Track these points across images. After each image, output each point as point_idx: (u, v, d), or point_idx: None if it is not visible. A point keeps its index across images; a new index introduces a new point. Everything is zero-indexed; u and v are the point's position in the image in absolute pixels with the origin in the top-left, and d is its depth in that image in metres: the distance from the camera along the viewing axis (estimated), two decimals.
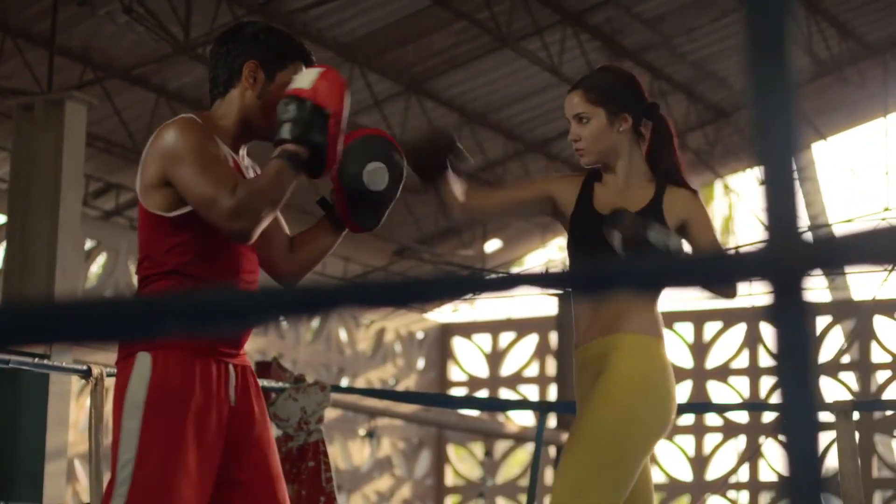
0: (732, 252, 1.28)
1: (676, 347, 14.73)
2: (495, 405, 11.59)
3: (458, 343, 15.50)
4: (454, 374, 15.50)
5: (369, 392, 8.74)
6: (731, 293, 3.78)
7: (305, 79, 3.49)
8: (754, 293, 15.69)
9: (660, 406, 3.64)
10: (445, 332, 15.48)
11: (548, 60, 11.08)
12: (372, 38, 10.97)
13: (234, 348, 3.53)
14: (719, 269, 1.31)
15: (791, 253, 1.30)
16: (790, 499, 1.32)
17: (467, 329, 15.46)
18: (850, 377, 14.05)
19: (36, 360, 5.22)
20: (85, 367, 5.28)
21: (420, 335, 15.32)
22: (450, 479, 15.27)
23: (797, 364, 1.32)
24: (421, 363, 15.31)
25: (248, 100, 3.55)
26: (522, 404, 9.72)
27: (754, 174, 15.34)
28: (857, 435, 13.46)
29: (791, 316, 1.31)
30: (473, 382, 15.30)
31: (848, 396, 13.74)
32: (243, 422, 3.54)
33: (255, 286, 3.64)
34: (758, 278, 1.29)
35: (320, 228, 3.72)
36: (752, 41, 1.34)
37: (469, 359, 15.51)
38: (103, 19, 9.83)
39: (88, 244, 12.03)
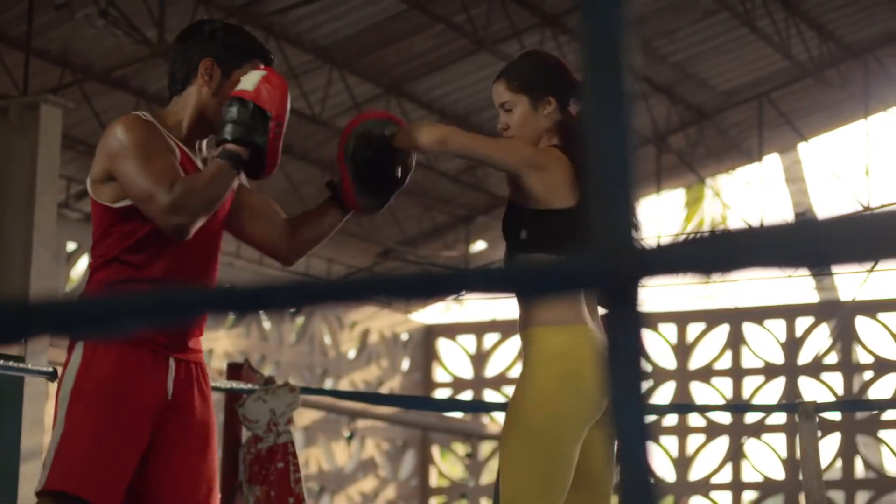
0: (563, 261, 1.31)
1: (659, 348, 14.75)
2: (472, 406, 11.61)
3: (442, 344, 15.52)
4: (439, 375, 15.53)
5: (343, 394, 8.77)
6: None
7: (249, 81, 3.56)
8: (738, 294, 15.74)
9: (575, 393, 3.63)
10: (430, 334, 15.51)
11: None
12: (351, 41, 11.00)
13: (177, 342, 3.57)
14: (550, 278, 1.34)
15: (622, 262, 1.33)
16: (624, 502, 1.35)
17: (452, 330, 15.50)
18: (834, 378, 14.08)
19: (10, 362, 5.24)
20: (51, 370, 5.31)
21: (405, 336, 15.35)
22: (434, 481, 15.30)
23: (628, 372, 1.35)
24: (405, 364, 15.34)
25: (204, 96, 3.62)
26: (491, 406, 9.76)
27: (740, 175, 15.38)
28: (839, 436, 13.47)
29: (623, 324, 1.34)
30: (458, 384, 15.33)
31: (831, 398, 13.77)
32: (180, 416, 3.58)
33: (211, 274, 3.69)
34: (589, 287, 1.33)
35: (324, 209, 3.78)
36: (590, 56, 1.38)
37: (454, 360, 15.53)
38: (81, 23, 9.86)
39: (70, 246, 12.06)
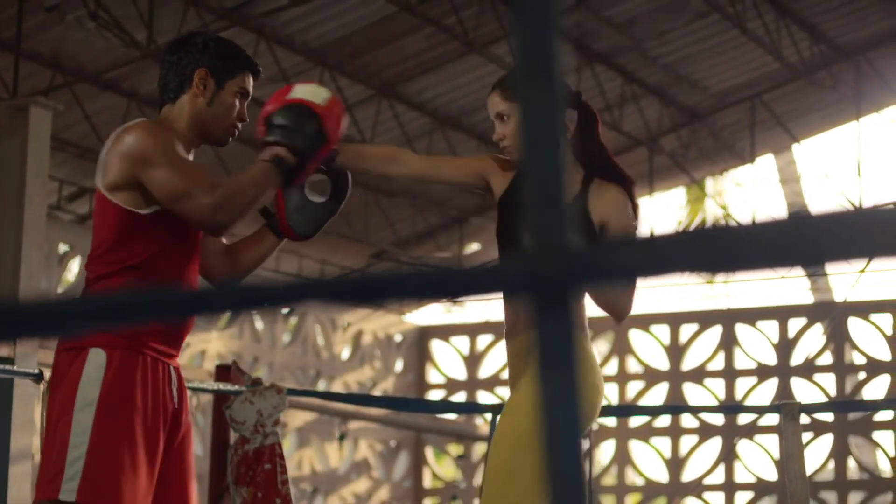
0: (493, 265, 1.32)
1: (652, 349, 14.77)
2: (448, 407, 11.62)
3: (436, 346, 15.53)
4: (432, 376, 15.54)
5: (331, 396, 8.78)
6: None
7: (318, 94, 3.57)
8: (730, 295, 15.75)
9: (581, 400, 3.66)
10: (423, 335, 15.51)
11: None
12: (343, 43, 11.01)
13: (174, 350, 3.63)
14: (479, 283, 1.36)
15: (552, 267, 1.34)
16: None
17: (445, 332, 15.51)
18: (827, 379, 14.10)
19: (0, 364, 5.26)
20: (37, 371, 5.33)
21: (398, 338, 15.36)
22: (428, 482, 15.31)
23: (559, 377, 1.37)
24: (399, 366, 15.35)
25: (198, 106, 3.66)
26: (476, 407, 9.77)
27: (733, 176, 15.39)
28: (832, 437, 13.49)
29: (553, 328, 1.36)
30: (451, 385, 15.34)
31: (824, 399, 13.79)
32: (180, 422, 3.67)
33: (195, 282, 3.74)
34: (519, 292, 1.34)
35: (259, 235, 3.81)
36: (522, 60, 1.39)
37: (447, 361, 15.55)
38: (72, 25, 9.88)
39: (62, 248, 12.07)
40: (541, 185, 1.36)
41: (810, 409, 6.37)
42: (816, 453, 13.90)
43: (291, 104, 3.55)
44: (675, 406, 13.46)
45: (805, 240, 1.36)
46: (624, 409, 13.10)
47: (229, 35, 10.36)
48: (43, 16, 9.77)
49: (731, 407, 11.49)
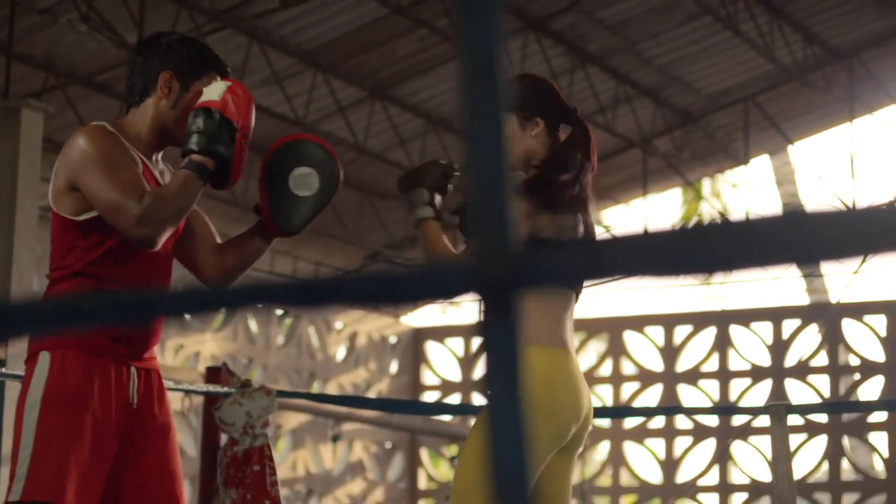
0: (440, 266, 1.33)
1: (647, 351, 14.78)
2: (442, 409, 11.63)
3: (431, 347, 15.54)
4: (427, 378, 15.55)
5: (322, 398, 8.79)
6: None
7: (214, 91, 3.59)
8: (725, 296, 15.76)
9: (548, 418, 3.64)
10: (418, 337, 15.53)
11: (509, 67, 11.13)
12: (335, 45, 11.02)
13: (137, 351, 3.62)
14: (423, 286, 1.37)
15: (498, 267, 1.35)
16: None
17: (440, 333, 15.52)
18: (821, 380, 14.11)
19: None
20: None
21: (393, 339, 15.37)
22: (423, 483, 15.33)
23: (504, 378, 1.38)
24: (394, 367, 15.36)
25: (162, 109, 3.65)
26: (471, 409, 9.77)
27: (728, 178, 15.40)
28: (826, 438, 13.48)
29: (498, 331, 1.37)
30: (446, 386, 15.35)
31: (818, 400, 13.81)
32: (143, 424, 3.64)
33: (168, 284, 3.73)
34: (465, 292, 1.35)
35: (251, 233, 3.81)
36: (466, 65, 1.41)
37: (442, 363, 15.56)
38: (64, 27, 9.89)
39: None
40: (485, 188, 1.37)
41: (797, 409, 6.37)
42: (811, 454, 13.92)
43: (196, 110, 3.57)
44: (665, 407, 13.47)
45: (753, 243, 1.37)
46: (618, 411, 13.12)
47: (221, 37, 10.41)
48: (35, 18, 9.77)
49: (719, 408, 11.50)
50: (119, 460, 3.60)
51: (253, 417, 5.98)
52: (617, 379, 14.72)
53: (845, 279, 13.15)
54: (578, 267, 1.38)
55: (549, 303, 3.73)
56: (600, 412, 12.61)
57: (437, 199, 3.86)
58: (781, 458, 5.99)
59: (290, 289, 1.32)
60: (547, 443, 3.66)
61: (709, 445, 14.26)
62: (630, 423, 14.60)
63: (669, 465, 14.37)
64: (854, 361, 14.02)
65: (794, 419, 13.74)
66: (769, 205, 15.57)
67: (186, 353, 13.06)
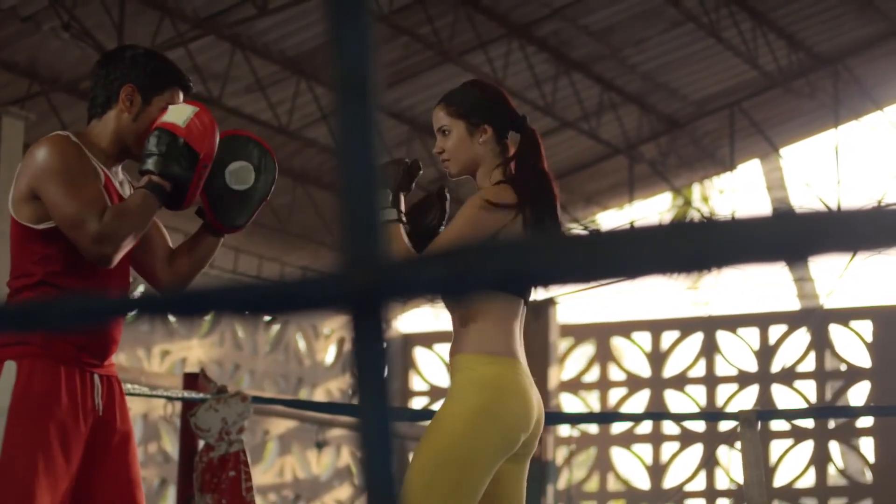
0: (313, 277, 1.37)
1: (634, 356, 14.81)
2: (428, 416, 11.63)
3: (419, 353, 15.57)
4: (416, 383, 15.58)
5: (303, 404, 8.81)
6: None
7: (180, 115, 3.61)
8: (711, 302, 15.79)
9: (497, 425, 3.67)
10: (407, 342, 15.55)
11: (492, 74, 11.16)
12: (319, 51, 11.04)
13: (99, 358, 3.65)
14: (293, 296, 1.40)
15: (365, 279, 1.38)
16: None
17: (429, 339, 15.54)
18: (807, 385, 14.14)
19: None
20: None
21: None
22: None
23: (372, 387, 1.41)
24: None
25: (124, 122, 3.68)
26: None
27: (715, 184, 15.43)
28: (812, 443, 13.47)
29: (367, 341, 1.40)
30: (435, 392, 15.37)
31: (804, 405, 13.84)
32: (106, 431, 3.67)
33: (127, 291, 3.77)
34: (333, 304, 1.38)
35: (198, 237, 3.84)
36: (338, 76, 1.44)
37: (430, 368, 15.58)
38: (48, 35, 9.92)
39: None
40: (354, 199, 1.40)
41: (767, 415, 6.42)
42: (797, 460, 13.95)
43: (156, 129, 3.59)
44: (659, 413, 13.50)
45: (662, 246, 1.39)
46: (605, 416, 13.14)
47: (205, 44, 10.44)
48: (18, 26, 9.80)
49: (689, 414, 11.52)
50: (83, 467, 3.63)
51: (228, 423, 6.00)
52: (604, 384, 14.75)
53: (831, 284, 13.18)
54: (443, 278, 1.41)
55: (497, 311, 3.76)
56: (587, 418, 12.70)
57: (402, 198, 3.90)
58: (752, 464, 6.02)
59: (162, 301, 1.35)
60: (495, 451, 3.69)
61: (696, 451, 14.29)
62: (617, 428, 14.63)
63: (657, 470, 14.40)
64: (841, 367, 14.04)
65: (781, 425, 13.80)
66: (758, 208, 15.58)
67: (173, 359, 13.08)
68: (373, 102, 1.41)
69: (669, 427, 14.42)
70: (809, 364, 14.10)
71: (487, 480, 3.69)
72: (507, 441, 3.70)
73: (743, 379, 14.22)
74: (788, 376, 14.06)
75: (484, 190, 3.84)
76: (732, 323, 14.39)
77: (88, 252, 3.50)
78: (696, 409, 14.17)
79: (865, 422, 13.86)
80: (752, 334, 14.30)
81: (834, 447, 13.95)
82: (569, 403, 14.79)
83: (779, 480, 13.92)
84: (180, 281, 3.80)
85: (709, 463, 14.03)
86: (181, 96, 3.73)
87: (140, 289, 9.95)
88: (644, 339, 14.66)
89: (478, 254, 1.41)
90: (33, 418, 3.50)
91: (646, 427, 14.50)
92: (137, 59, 3.70)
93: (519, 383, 3.73)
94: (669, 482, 14.32)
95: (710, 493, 14.15)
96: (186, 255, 3.81)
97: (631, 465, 14.63)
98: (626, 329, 14.72)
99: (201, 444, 5.89)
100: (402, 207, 3.89)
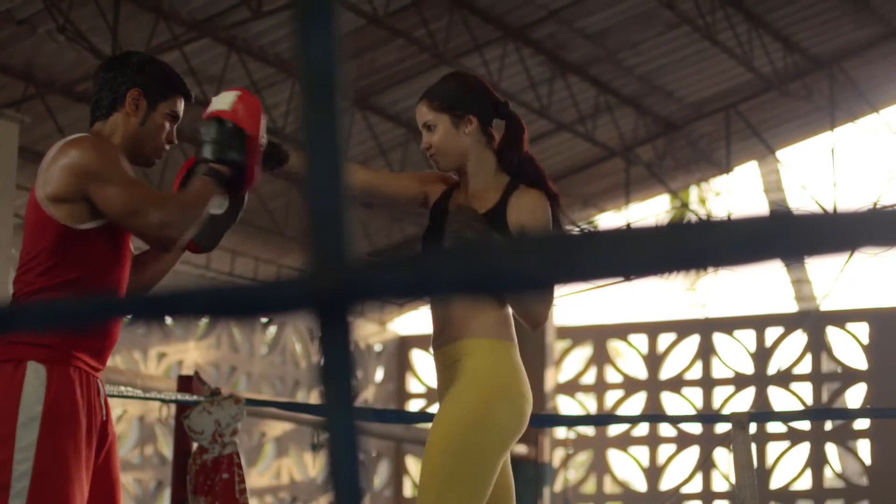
0: (275, 281, 1.37)
1: (631, 359, 14.82)
2: (424, 418, 11.63)
3: (416, 355, 15.58)
4: (413, 385, 15.59)
5: (298, 407, 8.82)
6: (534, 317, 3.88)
7: (225, 101, 3.69)
8: (707, 304, 15.80)
9: (512, 407, 3.75)
10: (404, 345, 15.56)
11: (488, 77, 11.17)
12: None
13: (102, 363, 3.70)
14: (260, 299, 1.40)
15: (329, 283, 1.39)
16: None
17: (426, 341, 15.53)
18: (803, 387, 14.14)
19: None
20: None
21: (378, 347, 15.40)
22: (408, 491, 15.35)
23: (338, 390, 1.41)
24: (379, 375, 15.39)
25: (130, 125, 3.73)
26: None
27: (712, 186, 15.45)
28: (808, 445, 13.48)
29: (332, 344, 1.41)
30: (432, 394, 15.38)
31: (800, 407, 13.85)
32: (106, 433, 3.75)
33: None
34: (299, 308, 1.39)
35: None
36: (304, 76, 1.45)
37: (428, 371, 15.59)
38: (43, 37, 9.93)
39: None
40: (320, 202, 1.41)
41: (758, 418, 6.42)
42: (793, 462, 13.96)
43: (206, 120, 3.66)
44: (655, 415, 13.50)
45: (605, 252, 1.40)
46: (601, 419, 13.16)
47: (200, 47, 10.45)
48: (14, 28, 9.81)
49: (681, 417, 11.52)
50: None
51: (222, 426, 6.01)
52: (601, 387, 14.76)
53: (827, 287, 13.19)
54: (408, 283, 1.42)
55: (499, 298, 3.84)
56: (584, 420, 12.71)
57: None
58: (743, 466, 6.03)
59: (126, 304, 1.36)
60: (512, 431, 3.77)
61: (692, 453, 14.30)
62: (614, 430, 14.64)
63: (653, 472, 14.41)
64: (837, 369, 14.05)
65: (777, 427, 13.81)
66: (754, 209, 15.60)
67: (169, 361, 13.09)
68: (338, 104, 1.42)
69: (666, 429, 14.42)
70: (806, 366, 14.11)
71: (502, 462, 3.77)
72: (521, 422, 3.79)
73: (739, 381, 14.23)
74: (785, 378, 14.07)
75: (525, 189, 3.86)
76: (729, 325, 14.40)
77: (153, 238, 3.58)
78: (692, 412, 14.17)
79: (862, 424, 13.87)
80: (748, 336, 14.32)
81: (830, 449, 13.96)
82: (565, 405, 14.80)
83: (775, 483, 13.93)
84: (142, 287, 3.86)
85: (705, 465, 14.04)
86: (182, 104, 3.82)
87: None
88: (641, 341, 14.67)
89: (446, 258, 1.42)
90: (64, 427, 3.56)
91: (643, 429, 14.51)
92: (144, 65, 3.78)
93: (521, 366, 3.84)
94: (666, 484, 14.33)
95: (707, 495, 14.16)
96: (150, 266, 3.91)
97: (628, 468, 14.64)
98: (622, 331, 14.73)
99: (195, 446, 5.90)
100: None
